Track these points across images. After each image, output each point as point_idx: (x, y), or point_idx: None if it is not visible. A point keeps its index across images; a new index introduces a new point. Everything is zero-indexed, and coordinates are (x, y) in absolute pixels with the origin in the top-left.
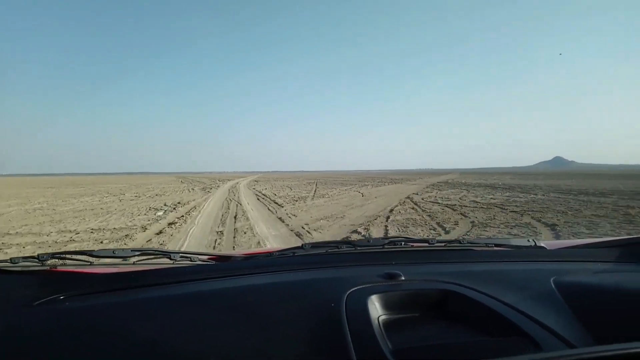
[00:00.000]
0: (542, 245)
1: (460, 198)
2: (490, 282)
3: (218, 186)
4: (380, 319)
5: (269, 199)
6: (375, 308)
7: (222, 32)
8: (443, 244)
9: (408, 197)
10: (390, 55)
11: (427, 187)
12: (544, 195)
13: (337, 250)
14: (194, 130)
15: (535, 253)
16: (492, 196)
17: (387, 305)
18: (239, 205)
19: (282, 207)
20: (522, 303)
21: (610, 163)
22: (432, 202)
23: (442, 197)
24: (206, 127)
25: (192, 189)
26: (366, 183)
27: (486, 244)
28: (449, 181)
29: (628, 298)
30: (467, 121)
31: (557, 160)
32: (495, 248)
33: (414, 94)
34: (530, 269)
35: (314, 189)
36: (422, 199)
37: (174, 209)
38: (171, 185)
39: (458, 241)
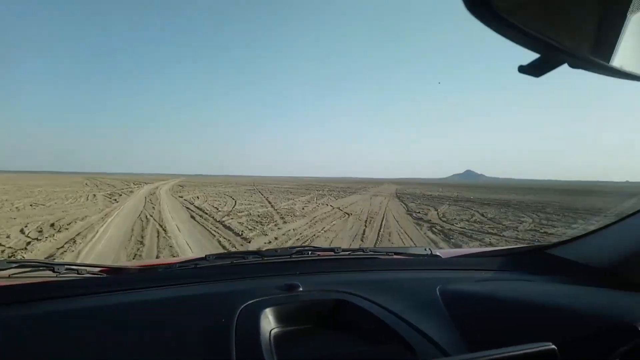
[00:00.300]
0: (438, 254)
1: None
2: (382, 291)
3: (131, 191)
4: (273, 332)
5: (213, 220)
6: (269, 321)
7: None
8: (348, 253)
9: (421, 219)
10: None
11: (397, 199)
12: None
13: (242, 261)
14: (108, 127)
15: (430, 261)
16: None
17: (280, 318)
18: (160, 232)
19: (248, 242)
20: (408, 311)
21: (515, 177)
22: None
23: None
24: (123, 123)
25: (94, 196)
26: (318, 192)
27: (387, 252)
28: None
29: (500, 305)
30: (392, 135)
31: (468, 173)
32: (395, 257)
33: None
34: (422, 277)
35: (265, 200)
36: (443, 216)
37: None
38: (68, 188)
39: (362, 250)
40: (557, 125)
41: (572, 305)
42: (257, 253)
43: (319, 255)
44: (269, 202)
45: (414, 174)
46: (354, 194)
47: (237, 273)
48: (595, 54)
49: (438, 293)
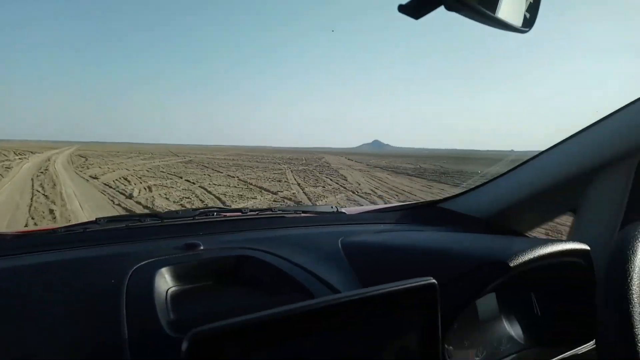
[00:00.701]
0: (343, 211)
1: None
2: (287, 245)
3: (8, 167)
4: (170, 291)
5: None
6: (165, 281)
7: None
8: (255, 213)
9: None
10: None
11: None
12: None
13: (139, 224)
14: None
15: (336, 218)
16: None
17: (178, 277)
18: None
19: None
20: (310, 262)
21: (417, 147)
22: None
23: None
24: None
25: None
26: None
27: (295, 211)
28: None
29: (393, 251)
30: (301, 104)
31: (376, 143)
32: (303, 215)
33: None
34: (326, 232)
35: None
36: None
37: None
38: None
39: (270, 209)
40: (453, 96)
41: (455, 249)
42: (156, 215)
43: (225, 216)
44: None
45: (324, 144)
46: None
47: (132, 236)
48: None
49: (340, 245)
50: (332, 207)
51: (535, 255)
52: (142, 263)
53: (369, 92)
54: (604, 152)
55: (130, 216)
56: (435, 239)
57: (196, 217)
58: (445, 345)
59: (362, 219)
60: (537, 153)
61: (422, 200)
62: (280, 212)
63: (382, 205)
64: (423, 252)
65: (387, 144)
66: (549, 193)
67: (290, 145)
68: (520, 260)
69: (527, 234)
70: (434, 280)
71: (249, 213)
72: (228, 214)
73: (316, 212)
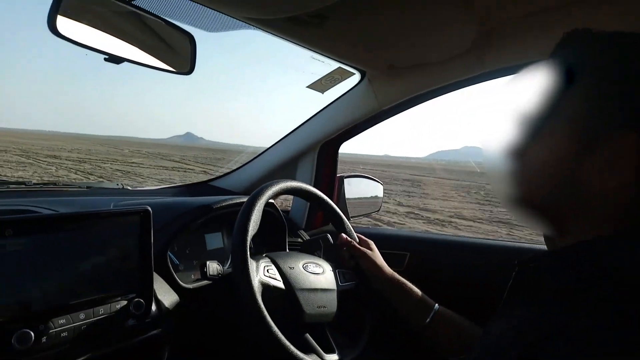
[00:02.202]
0: (128, 188)
1: None
2: (62, 206)
3: None
4: None
5: None
6: None
7: None
8: (39, 186)
9: None
10: None
11: None
12: None
13: None
14: None
15: (118, 192)
16: None
17: None
18: None
19: None
20: None
21: (228, 142)
22: None
23: None
24: None
25: None
26: None
27: (79, 186)
28: None
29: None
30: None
31: (189, 135)
32: (87, 189)
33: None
34: (104, 199)
35: None
36: None
37: None
38: None
39: (54, 183)
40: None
41: (189, 202)
42: None
43: (8, 187)
44: None
45: (133, 133)
46: None
47: None
48: None
49: (112, 206)
50: (117, 185)
51: (230, 203)
52: None
53: (181, 84)
54: (304, 144)
55: None
56: (185, 200)
57: None
58: (171, 254)
59: (142, 194)
60: (267, 147)
61: (198, 181)
62: (64, 185)
63: (166, 185)
64: (170, 204)
65: (201, 137)
66: (279, 170)
67: (102, 134)
68: (219, 205)
69: None
70: (149, 208)
71: (33, 185)
72: (12, 186)
73: (100, 187)
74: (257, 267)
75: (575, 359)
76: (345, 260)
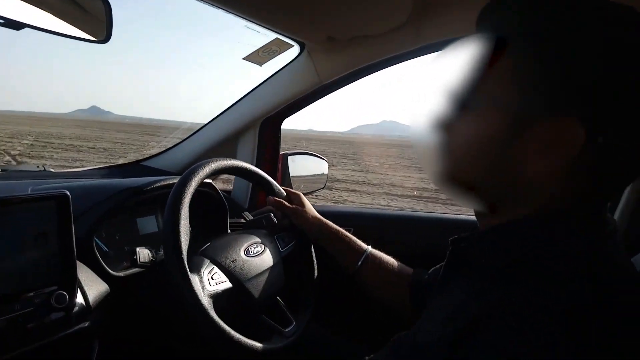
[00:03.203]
0: (51, 170)
1: None
2: None
3: None
4: None
5: None
6: None
7: None
8: None
9: None
10: None
11: None
12: None
13: None
14: None
15: (40, 174)
16: None
17: None
18: None
19: None
20: None
21: (141, 116)
22: None
23: None
24: None
25: None
26: None
27: None
28: None
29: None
30: None
31: (94, 109)
32: (1, 172)
33: None
34: (22, 183)
35: None
36: None
37: None
38: None
39: None
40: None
41: (116, 184)
42: None
43: None
44: None
45: (30, 108)
46: None
47: None
48: None
49: (29, 190)
50: (38, 167)
51: (163, 184)
52: None
53: (87, 51)
54: (244, 121)
55: None
56: (112, 181)
57: None
58: (98, 240)
59: (67, 176)
60: (204, 123)
61: (127, 162)
62: None
63: (92, 167)
64: (96, 186)
65: (109, 111)
66: (218, 146)
67: None
68: (151, 187)
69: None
70: (67, 192)
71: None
72: None
73: (17, 170)
74: (201, 280)
75: (508, 338)
76: (280, 221)
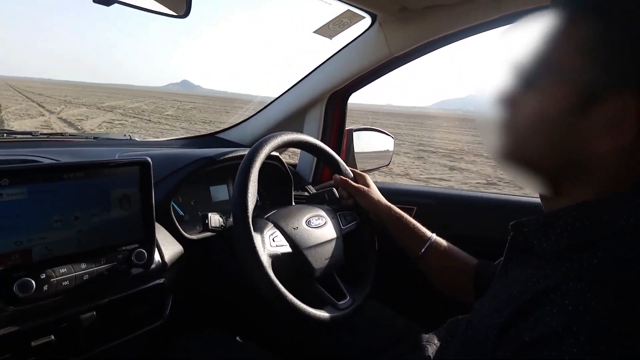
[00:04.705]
0: (136, 138)
1: None
2: (67, 156)
3: None
4: None
5: None
6: None
7: None
8: (46, 136)
9: None
10: None
11: None
12: None
13: None
14: None
15: (126, 142)
16: None
17: None
18: None
19: None
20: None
21: (228, 90)
22: None
23: None
24: None
25: None
26: None
27: (86, 137)
28: None
29: (154, 158)
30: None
31: (185, 83)
32: (93, 140)
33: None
34: (110, 150)
35: None
36: None
37: None
38: None
39: (61, 134)
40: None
41: (195, 153)
42: None
43: (15, 137)
44: None
45: (129, 81)
46: None
47: None
48: None
49: (117, 156)
50: (124, 135)
51: (233, 155)
52: None
53: (175, 27)
54: (312, 95)
55: None
56: (188, 152)
57: None
58: (175, 205)
59: (150, 144)
60: (274, 98)
61: (205, 133)
62: (71, 136)
63: (172, 137)
64: (174, 155)
65: (198, 85)
66: (287, 121)
67: (90, 81)
68: (222, 157)
69: None
70: (148, 159)
71: (39, 136)
72: (18, 136)
73: (107, 138)
74: (263, 239)
75: (562, 322)
76: (345, 200)
